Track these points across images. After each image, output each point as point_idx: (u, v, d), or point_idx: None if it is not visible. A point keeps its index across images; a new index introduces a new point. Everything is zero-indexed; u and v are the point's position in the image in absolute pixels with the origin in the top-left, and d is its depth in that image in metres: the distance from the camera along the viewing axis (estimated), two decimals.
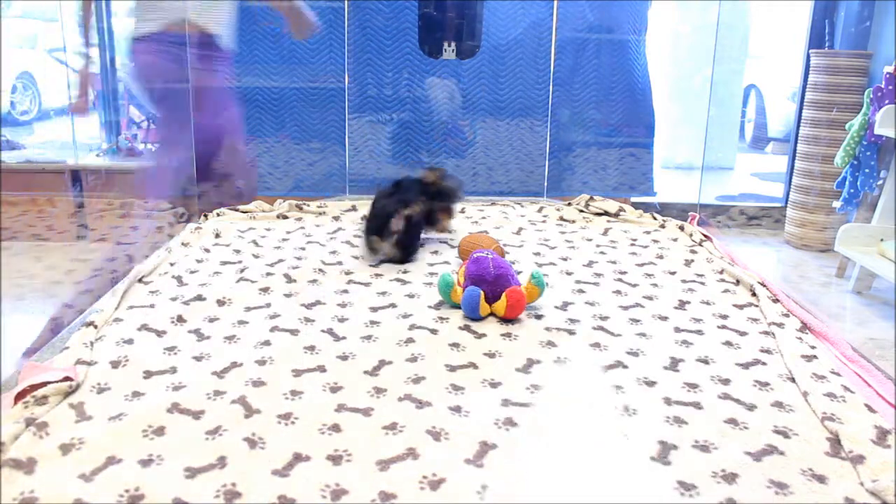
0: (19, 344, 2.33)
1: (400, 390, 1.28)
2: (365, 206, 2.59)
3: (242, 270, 1.90)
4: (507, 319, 1.59)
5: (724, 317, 1.66)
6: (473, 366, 1.38)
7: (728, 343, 1.52)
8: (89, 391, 1.26)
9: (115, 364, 1.36)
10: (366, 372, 1.35)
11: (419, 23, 3.59)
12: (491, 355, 1.43)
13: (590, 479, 1.05)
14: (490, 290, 1.59)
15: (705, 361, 1.43)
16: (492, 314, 1.61)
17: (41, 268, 3.32)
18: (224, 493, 0.99)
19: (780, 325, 1.59)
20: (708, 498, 1.01)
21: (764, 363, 1.43)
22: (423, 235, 2.12)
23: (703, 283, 1.88)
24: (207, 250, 2.09)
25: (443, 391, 1.28)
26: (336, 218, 2.47)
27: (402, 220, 1.92)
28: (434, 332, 1.53)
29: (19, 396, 1.20)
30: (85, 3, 2.79)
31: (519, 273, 1.88)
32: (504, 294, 1.57)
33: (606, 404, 1.25)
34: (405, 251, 1.97)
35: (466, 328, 1.55)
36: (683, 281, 1.90)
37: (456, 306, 1.65)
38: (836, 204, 3.53)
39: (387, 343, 1.47)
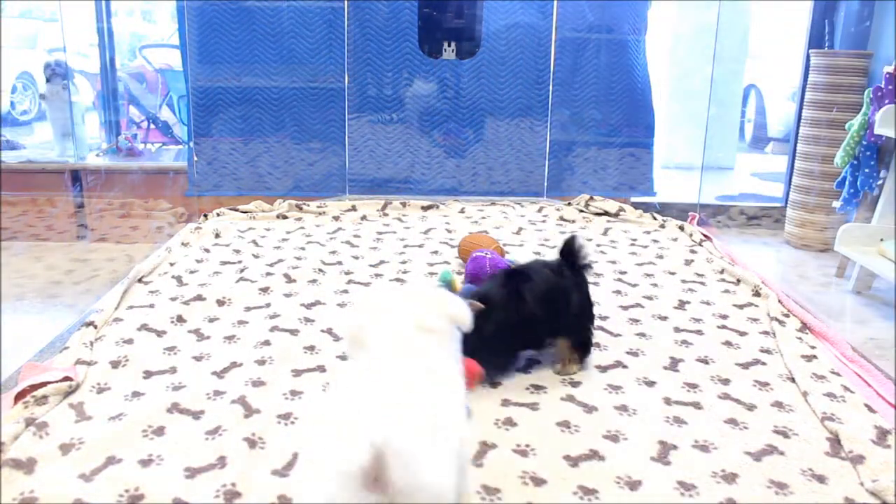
0: (19, 344, 2.33)
1: None
2: (365, 206, 2.59)
3: (242, 270, 1.90)
4: None
5: (724, 317, 1.66)
6: None
7: (728, 343, 1.52)
8: (89, 391, 1.26)
9: (115, 364, 1.36)
10: None
11: (419, 23, 3.59)
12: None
13: (590, 478, 1.04)
14: None
15: (705, 361, 1.43)
16: None
17: (41, 268, 3.32)
18: (224, 493, 0.99)
19: (781, 325, 1.59)
20: (708, 498, 1.01)
21: (764, 363, 1.43)
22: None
23: (703, 283, 1.88)
24: (207, 250, 2.09)
25: None
26: (336, 218, 2.47)
27: None
28: None
29: (19, 396, 1.20)
30: None
31: None
32: None
33: (606, 404, 1.25)
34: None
35: None
36: (683, 281, 1.90)
37: None
38: (836, 204, 3.52)
39: None
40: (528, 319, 1.30)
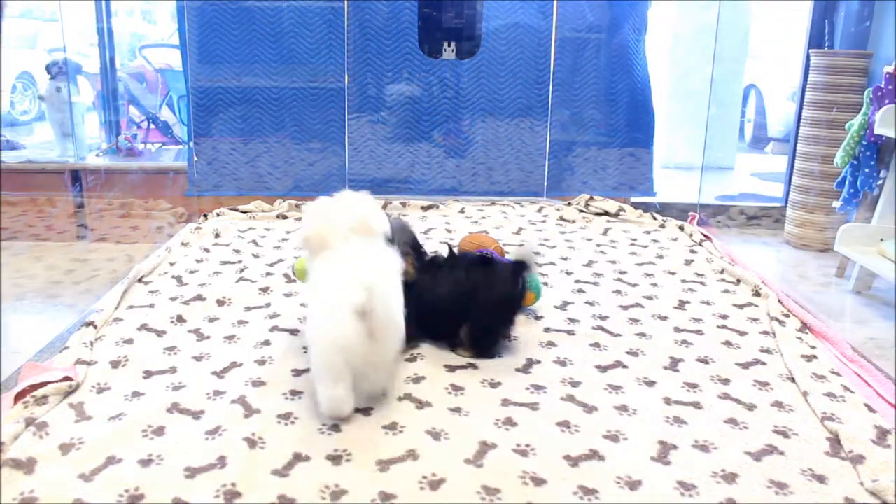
0: (19, 344, 2.33)
1: (400, 390, 1.28)
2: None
3: (242, 270, 1.90)
4: None
5: (724, 317, 1.66)
6: (473, 366, 1.38)
7: (728, 343, 1.52)
8: (89, 391, 1.26)
9: (115, 364, 1.36)
10: None
11: (419, 23, 3.59)
12: (491, 355, 1.42)
13: (590, 478, 1.04)
14: None
15: (705, 361, 1.43)
16: None
17: (41, 268, 3.32)
18: (224, 493, 0.99)
19: (781, 325, 1.59)
20: (708, 498, 1.01)
21: (764, 363, 1.43)
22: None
23: (703, 283, 1.88)
24: (207, 250, 2.09)
25: (443, 391, 1.28)
26: None
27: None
28: None
29: (19, 396, 1.20)
30: None
31: None
32: None
33: (606, 404, 1.25)
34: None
35: None
36: (683, 281, 1.90)
37: None
38: (836, 204, 3.52)
39: None
40: (440, 301, 1.42)
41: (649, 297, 1.77)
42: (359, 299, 1.11)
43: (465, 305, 1.40)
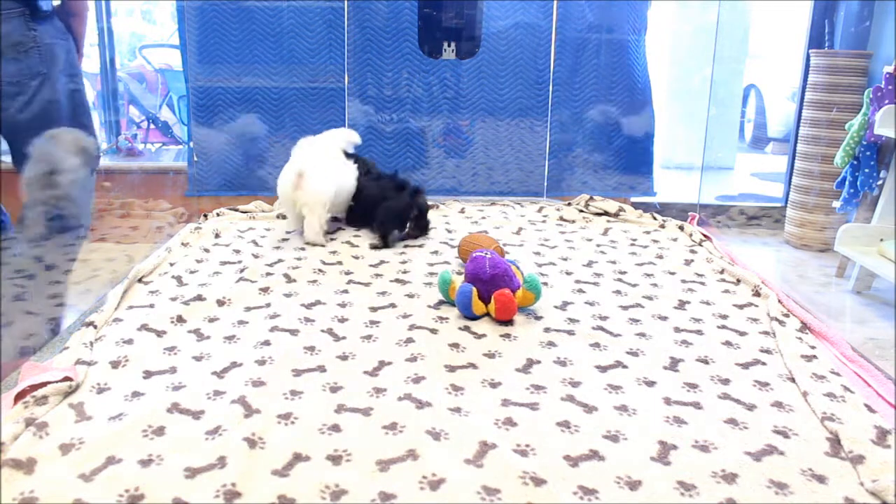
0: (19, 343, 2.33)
1: (400, 390, 1.28)
2: None
3: (242, 270, 1.90)
4: (502, 320, 1.59)
5: (724, 317, 1.66)
6: (473, 366, 1.38)
7: (728, 343, 1.52)
8: (89, 391, 1.26)
9: (115, 364, 1.36)
10: (366, 372, 1.35)
11: (419, 23, 3.59)
12: (491, 355, 1.43)
13: (590, 478, 1.04)
14: (486, 290, 1.59)
15: (705, 361, 1.43)
16: (488, 314, 1.61)
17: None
18: (224, 493, 0.99)
19: (781, 325, 1.59)
20: (708, 498, 1.01)
21: (764, 363, 1.43)
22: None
23: (703, 283, 1.88)
24: (207, 250, 2.09)
25: (443, 391, 1.28)
26: (336, 218, 2.47)
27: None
28: (434, 332, 1.53)
29: (19, 396, 1.20)
30: None
31: None
32: (493, 297, 1.57)
33: (606, 404, 1.25)
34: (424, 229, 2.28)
35: (466, 328, 1.55)
36: (683, 281, 1.90)
37: (455, 304, 1.65)
38: (836, 204, 3.53)
39: (387, 343, 1.47)
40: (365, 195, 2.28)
41: (649, 297, 1.77)
42: (293, 172, 2.08)
43: (373, 208, 2.20)
